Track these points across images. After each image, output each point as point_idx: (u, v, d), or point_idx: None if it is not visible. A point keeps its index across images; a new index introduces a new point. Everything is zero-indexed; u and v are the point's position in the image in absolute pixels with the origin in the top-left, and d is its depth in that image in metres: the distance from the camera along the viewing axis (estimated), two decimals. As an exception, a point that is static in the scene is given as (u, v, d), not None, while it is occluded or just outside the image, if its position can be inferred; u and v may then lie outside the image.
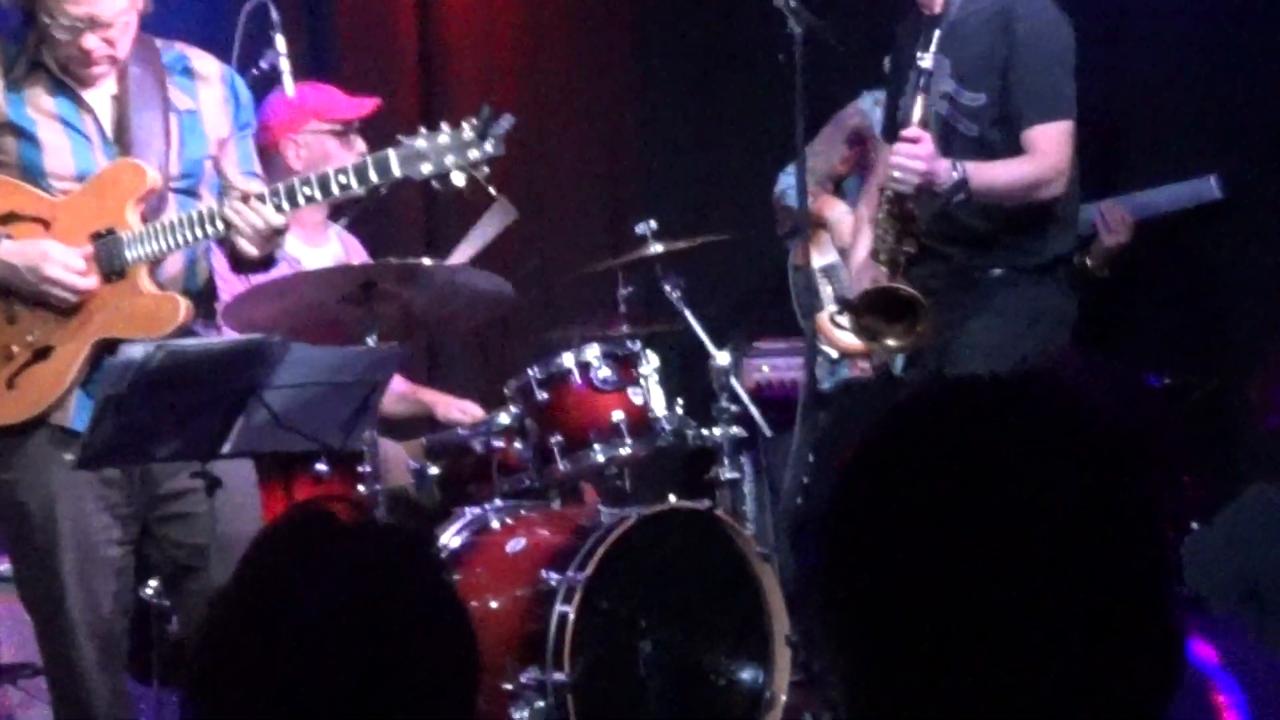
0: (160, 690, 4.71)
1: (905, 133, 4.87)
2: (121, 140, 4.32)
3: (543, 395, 5.24)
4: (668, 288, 5.58)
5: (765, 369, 6.47)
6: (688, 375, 5.83)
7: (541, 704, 4.72)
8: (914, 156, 4.80)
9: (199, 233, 4.25)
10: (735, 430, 5.35)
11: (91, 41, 4.22)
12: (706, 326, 5.59)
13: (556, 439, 5.19)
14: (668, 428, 5.25)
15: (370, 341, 4.71)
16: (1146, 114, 6.17)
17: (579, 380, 5.25)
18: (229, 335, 4.54)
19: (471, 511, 5.22)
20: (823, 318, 5.77)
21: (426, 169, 4.28)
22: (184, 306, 4.28)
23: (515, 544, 5.06)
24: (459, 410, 5.82)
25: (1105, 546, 1.36)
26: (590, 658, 4.78)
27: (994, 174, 4.88)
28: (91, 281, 4.24)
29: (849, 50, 5.36)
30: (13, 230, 4.26)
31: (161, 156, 4.33)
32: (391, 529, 1.76)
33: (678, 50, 7.21)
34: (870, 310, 4.89)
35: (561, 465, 5.21)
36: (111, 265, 4.25)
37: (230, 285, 4.84)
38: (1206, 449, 5.65)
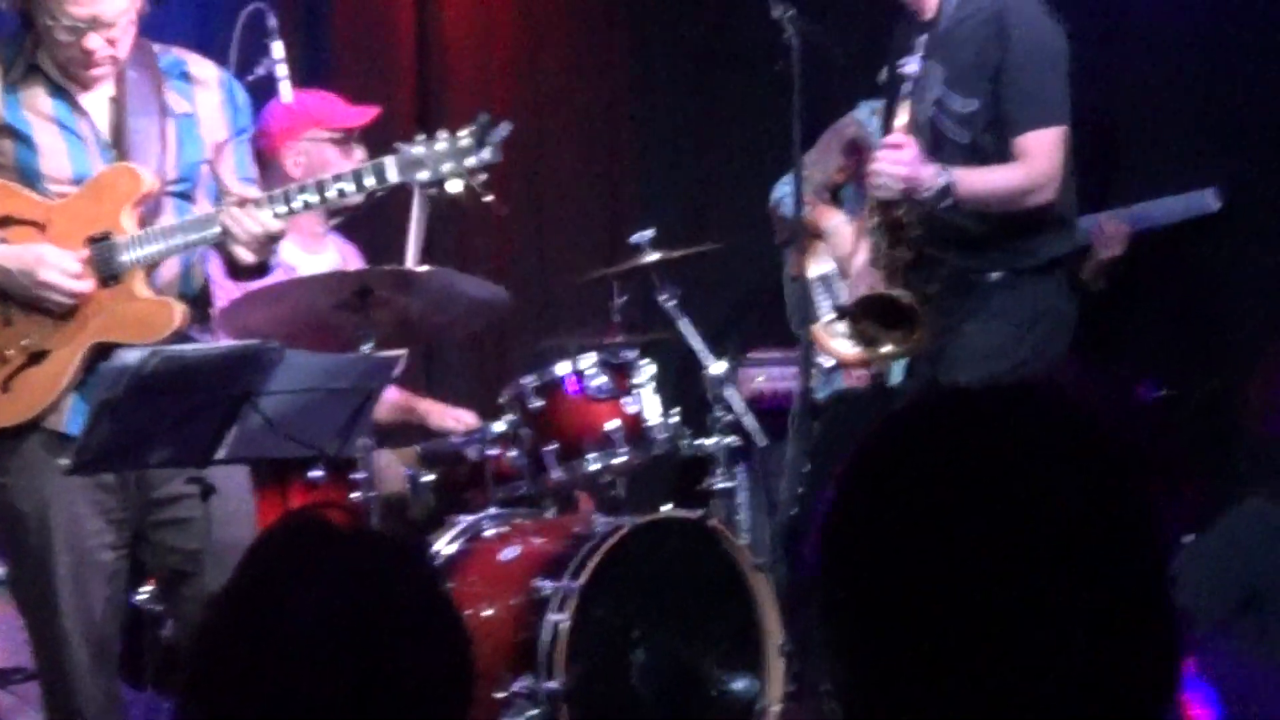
0: (153, 695, 4.71)
1: (887, 139, 4.89)
2: (118, 144, 4.31)
3: (538, 403, 5.24)
4: (663, 296, 5.58)
5: (760, 378, 6.47)
6: (683, 384, 5.83)
7: (534, 712, 4.72)
8: (896, 163, 4.81)
9: (195, 237, 4.25)
10: (730, 439, 5.35)
11: (94, 42, 4.22)
12: (702, 335, 5.58)
13: (551, 447, 5.19)
14: (663, 436, 5.25)
15: (366, 348, 4.71)
16: (1143, 124, 6.17)
17: (574, 388, 5.25)
18: (224, 341, 4.53)
19: (466, 519, 5.21)
20: (818, 327, 5.77)
21: (424, 176, 4.28)
22: (179, 311, 4.27)
23: (509, 552, 5.06)
24: (453, 418, 5.82)
25: (1106, 551, 1.36)
26: (583, 666, 4.77)
27: (982, 179, 4.88)
28: (87, 285, 4.24)
29: (846, 60, 5.36)
30: (8, 234, 4.26)
31: (158, 160, 4.33)
32: (386, 536, 1.76)
33: (675, 58, 7.21)
34: (867, 316, 4.89)
35: (556, 473, 5.21)
36: (107, 269, 4.25)
37: (226, 291, 4.83)
38: (1203, 456, 5.65)
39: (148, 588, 4.67)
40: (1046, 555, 1.35)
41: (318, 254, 5.66)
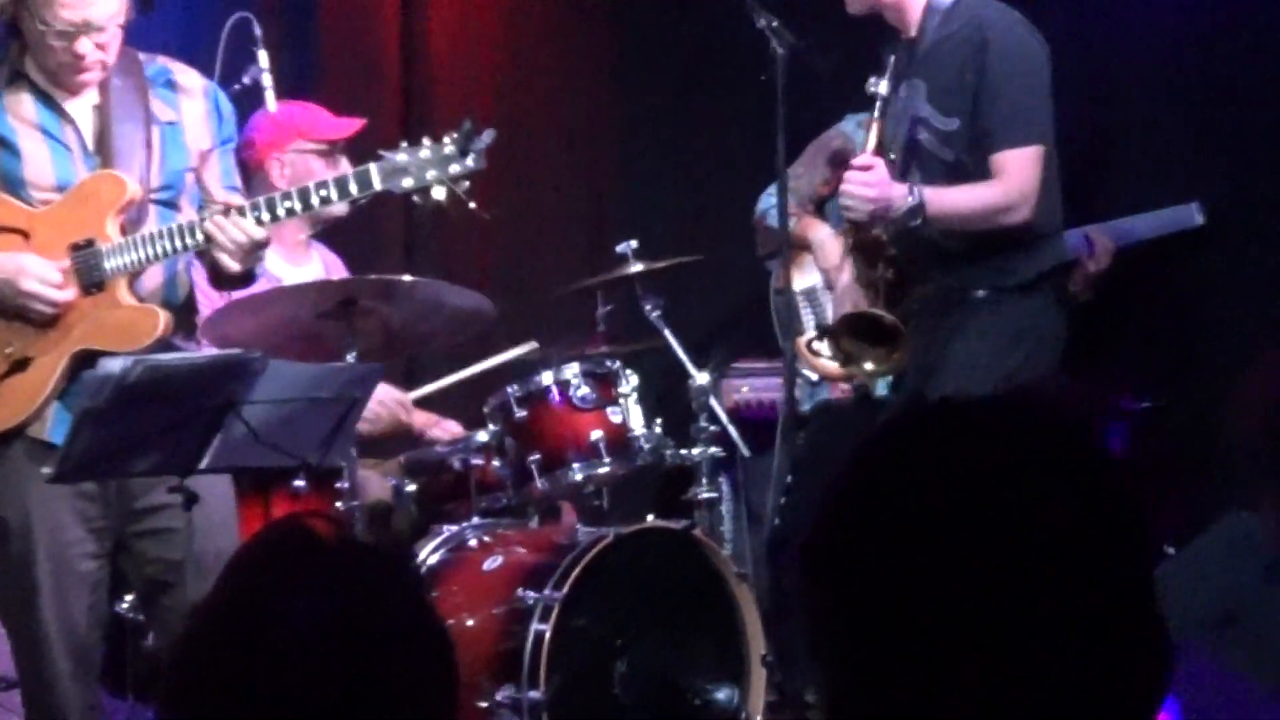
0: (135, 705, 4.70)
1: (856, 161, 4.90)
2: (102, 151, 4.31)
3: (521, 413, 5.24)
4: (648, 307, 5.58)
5: (745, 389, 6.47)
6: (667, 395, 5.83)
7: (517, 722, 4.72)
8: (865, 184, 4.82)
9: (179, 244, 4.24)
10: (714, 450, 5.35)
11: (85, 46, 4.22)
12: (686, 346, 5.59)
13: (535, 457, 5.19)
14: (646, 447, 5.25)
15: (350, 358, 4.70)
16: (1127, 139, 6.18)
17: (558, 399, 5.25)
18: (208, 350, 4.53)
19: (449, 529, 5.21)
20: (801, 342, 5.78)
21: (408, 183, 4.28)
22: (163, 319, 4.27)
23: (492, 562, 5.05)
24: (440, 428, 5.81)
25: (1094, 560, 1.36)
26: (566, 676, 4.77)
27: (953, 199, 4.88)
28: (68, 294, 4.23)
29: (832, 72, 5.37)
30: (-9, 242, 4.26)
31: (142, 168, 4.33)
32: (371, 546, 1.76)
33: (660, 68, 7.21)
34: (849, 334, 4.90)
35: (540, 483, 5.21)
36: (90, 277, 4.24)
37: (210, 300, 4.83)
38: (1186, 468, 5.65)
39: (130, 596, 4.66)
40: (1036, 564, 1.35)
41: (302, 265, 5.66)
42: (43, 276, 4.21)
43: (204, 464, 4.14)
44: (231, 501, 4.48)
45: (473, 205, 4.32)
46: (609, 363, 5.34)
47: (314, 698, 1.58)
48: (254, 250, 4.26)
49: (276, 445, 4.19)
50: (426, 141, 4.29)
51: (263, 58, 5.51)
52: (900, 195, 4.81)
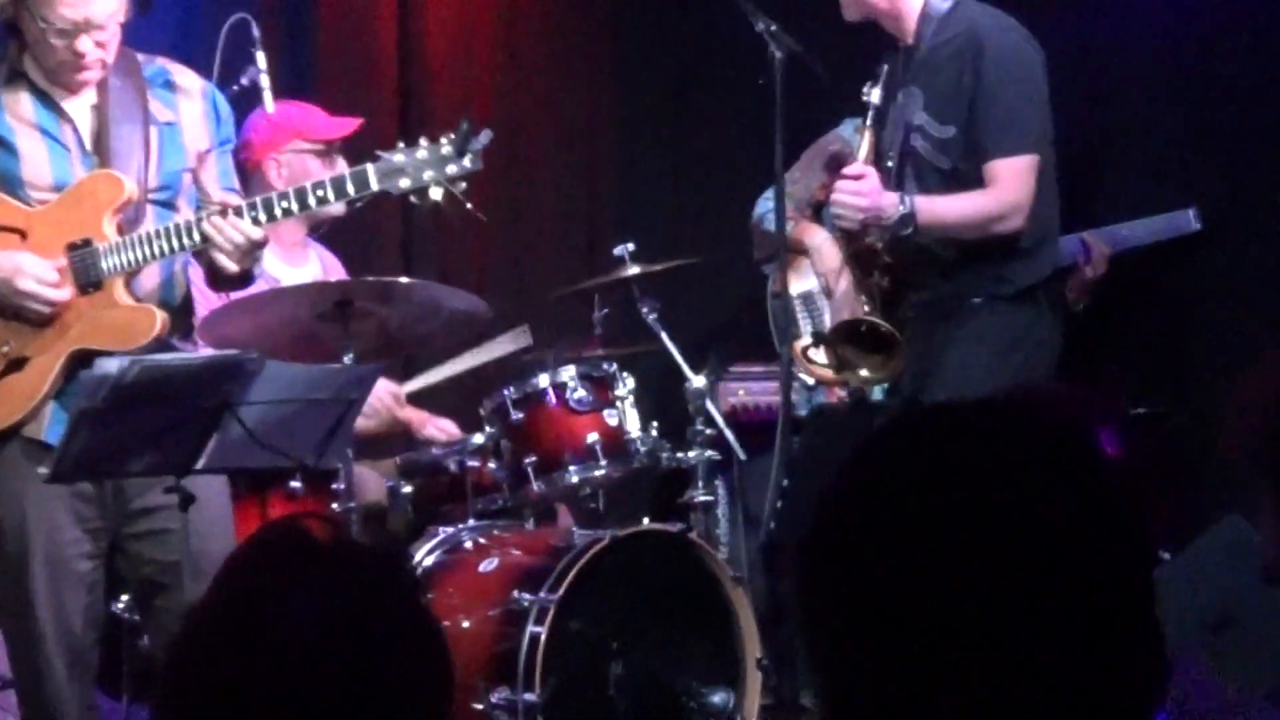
0: (131, 705, 4.69)
1: (847, 170, 4.91)
2: (100, 151, 4.31)
3: (518, 415, 5.24)
4: (644, 310, 5.58)
5: (741, 393, 6.46)
6: (663, 398, 5.83)
7: (512, 724, 4.72)
8: (856, 194, 4.83)
9: (176, 244, 4.24)
10: (710, 453, 5.35)
11: (86, 44, 4.22)
12: (683, 349, 5.59)
13: (531, 459, 5.19)
14: (643, 450, 5.25)
15: (347, 359, 4.70)
16: (1123, 145, 6.18)
17: (554, 401, 5.25)
18: (205, 351, 4.53)
19: (445, 531, 5.21)
20: (797, 347, 5.78)
21: (404, 184, 4.28)
22: (160, 319, 4.27)
23: (488, 564, 5.05)
24: (435, 428, 5.81)
25: (1092, 562, 1.36)
26: (561, 679, 4.77)
27: (945, 208, 4.88)
28: (65, 294, 4.23)
29: (830, 76, 5.37)
30: (-11, 241, 4.26)
31: (140, 168, 4.32)
32: (367, 547, 1.76)
33: (657, 70, 7.21)
34: (846, 341, 4.91)
35: (536, 486, 5.20)
36: (87, 276, 4.24)
37: (208, 301, 4.83)
38: (1181, 474, 5.65)
39: (126, 597, 4.66)
40: (1033, 566, 1.35)
41: (300, 265, 5.66)
42: (39, 276, 4.21)
43: (200, 465, 4.14)
44: (228, 502, 4.48)
45: (470, 206, 4.32)
46: (605, 365, 5.34)
47: (310, 699, 1.58)
48: (251, 250, 4.26)
49: (273, 446, 4.19)
50: (424, 142, 4.29)
51: (261, 59, 5.51)
52: (891, 204, 4.81)
